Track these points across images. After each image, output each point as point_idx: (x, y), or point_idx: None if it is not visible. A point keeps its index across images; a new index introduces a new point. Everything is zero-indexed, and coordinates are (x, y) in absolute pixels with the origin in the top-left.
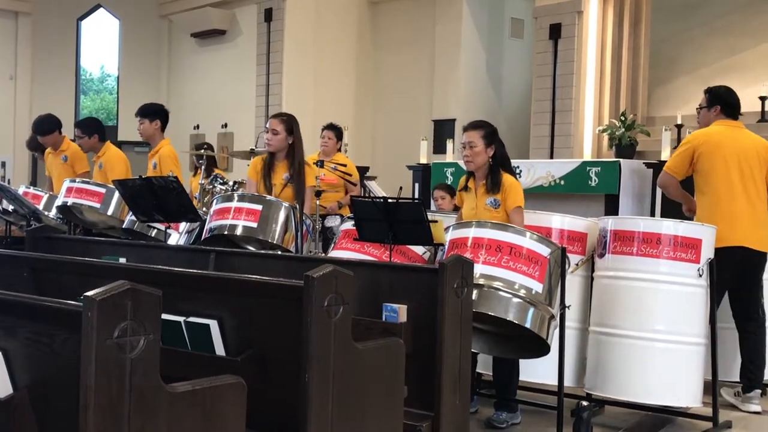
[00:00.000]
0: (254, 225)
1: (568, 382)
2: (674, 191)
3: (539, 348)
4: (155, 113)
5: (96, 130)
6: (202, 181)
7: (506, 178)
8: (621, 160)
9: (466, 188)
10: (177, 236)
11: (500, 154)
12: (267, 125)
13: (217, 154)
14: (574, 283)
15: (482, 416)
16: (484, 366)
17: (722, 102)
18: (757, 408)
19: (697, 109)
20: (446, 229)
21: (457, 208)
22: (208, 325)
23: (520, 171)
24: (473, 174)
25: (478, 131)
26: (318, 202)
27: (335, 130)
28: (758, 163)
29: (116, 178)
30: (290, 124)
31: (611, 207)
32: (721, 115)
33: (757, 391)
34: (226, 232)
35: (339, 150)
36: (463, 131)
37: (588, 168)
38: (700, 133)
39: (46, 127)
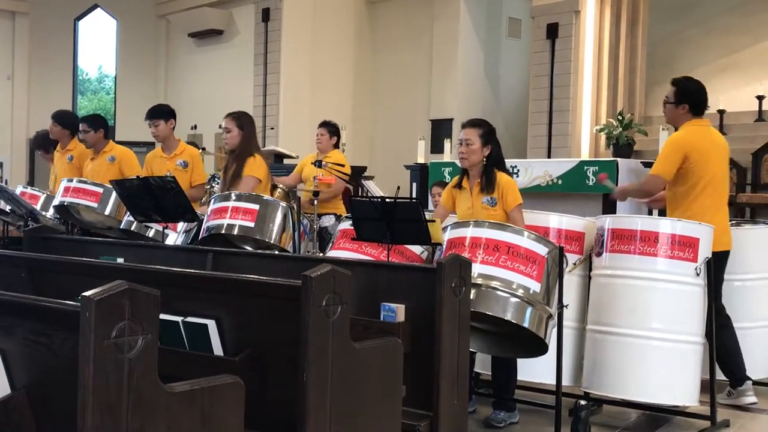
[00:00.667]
0: (251, 224)
1: (566, 381)
2: (657, 194)
3: (537, 347)
4: (169, 113)
5: (101, 126)
6: None
7: (501, 176)
8: (618, 159)
9: (459, 186)
10: (175, 236)
11: (496, 154)
12: (222, 125)
13: (215, 155)
14: (571, 282)
15: (480, 416)
16: (482, 365)
17: (691, 100)
18: (753, 399)
19: (664, 102)
20: (444, 229)
21: None
22: (206, 325)
23: (518, 170)
24: (467, 173)
25: (476, 129)
26: (315, 202)
27: (328, 127)
28: (727, 163)
29: (136, 172)
30: (241, 120)
31: (609, 206)
32: (689, 114)
33: (748, 382)
34: (223, 232)
35: (336, 147)
36: (461, 128)
37: (585, 167)
38: (687, 137)
39: (66, 119)
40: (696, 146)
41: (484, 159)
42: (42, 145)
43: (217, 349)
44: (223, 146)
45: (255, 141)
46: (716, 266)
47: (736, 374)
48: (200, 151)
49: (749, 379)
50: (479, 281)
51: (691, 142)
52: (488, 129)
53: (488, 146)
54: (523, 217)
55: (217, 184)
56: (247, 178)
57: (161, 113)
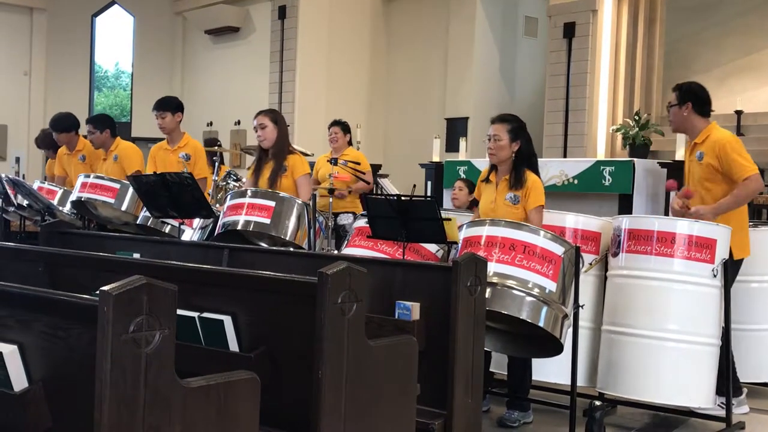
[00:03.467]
0: (267, 221)
1: (581, 381)
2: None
3: (552, 347)
4: (177, 106)
5: (107, 126)
6: (216, 178)
7: (529, 175)
8: (635, 159)
9: (487, 180)
10: (191, 232)
11: (526, 150)
12: (255, 123)
13: (230, 151)
14: (587, 282)
15: (494, 415)
16: (497, 365)
17: (695, 97)
18: (746, 409)
19: (667, 107)
20: (460, 228)
21: (474, 203)
22: (222, 321)
23: None
24: (496, 168)
25: (504, 125)
26: (330, 200)
27: (341, 125)
28: None
29: (135, 169)
30: (275, 115)
31: (625, 206)
32: (693, 112)
33: (741, 397)
34: (239, 228)
35: (350, 144)
36: (490, 123)
37: (602, 167)
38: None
39: (63, 124)
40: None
41: (513, 155)
42: (49, 145)
43: (233, 345)
44: (239, 143)
45: (288, 138)
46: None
47: (736, 383)
48: (216, 147)
49: (741, 390)
50: (495, 280)
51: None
52: (517, 125)
53: (517, 142)
54: (542, 220)
55: (234, 180)
56: (302, 179)
57: (169, 105)
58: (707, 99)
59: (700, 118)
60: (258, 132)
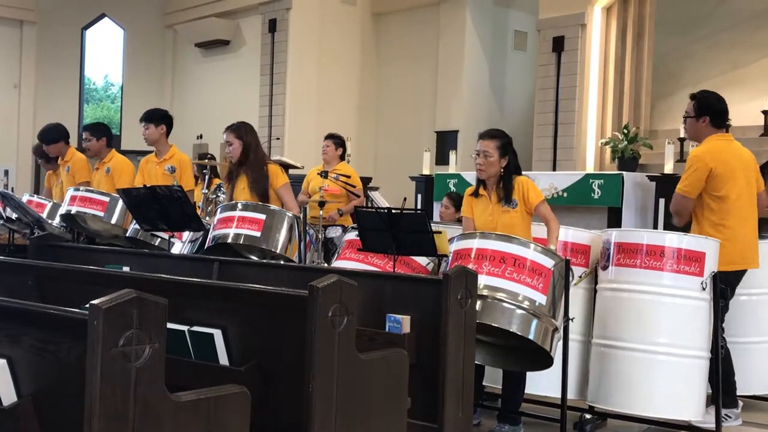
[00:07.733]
0: (257, 234)
1: (571, 394)
2: (687, 214)
3: (542, 360)
4: (161, 118)
5: (104, 134)
6: (206, 191)
7: (517, 179)
8: (624, 172)
9: (476, 194)
10: (180, 245)
11: (513, 165)
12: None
13: (219, 164)
14: (577, 295)
15: (484, 428)
16: (490, 380)
17: (712, 112)
18: (739, 422)
19: (684, 117)
20: (450, 240)
21: (460, 221)
22: (212, 335)
23: None
24: (484, 182)
25: (493, 141)
26: (321, 213)
27: (333, 139)
28: (754, 177)
29: (124, 185)
30: (239, 132)
31: (614, 219)
32: (710, 126)
33: (736, 410)
34: (229, 241)
35: (342, 159)
36: (478, 138)
37: (591, 180)
38: (709, 151)
39: (52, 135)
40: (718, 160)
41: (502, 170)
42: (44, 153)
43: (223, 359)
44: (228, 156)
45: (261, 149)
46: (734, 286)
47: (728, 392)
48: (207, 159)
49: (736, 403)
50: (485, 293)
51: (713, 157)
52: (506, 140)
53: (505, 157)
54: (550, 210)
55: (224, 193)
56: (283, 189)
57: (152, 117)
58: (725, 111)
59: (714, 129)
60: (227, 148)
